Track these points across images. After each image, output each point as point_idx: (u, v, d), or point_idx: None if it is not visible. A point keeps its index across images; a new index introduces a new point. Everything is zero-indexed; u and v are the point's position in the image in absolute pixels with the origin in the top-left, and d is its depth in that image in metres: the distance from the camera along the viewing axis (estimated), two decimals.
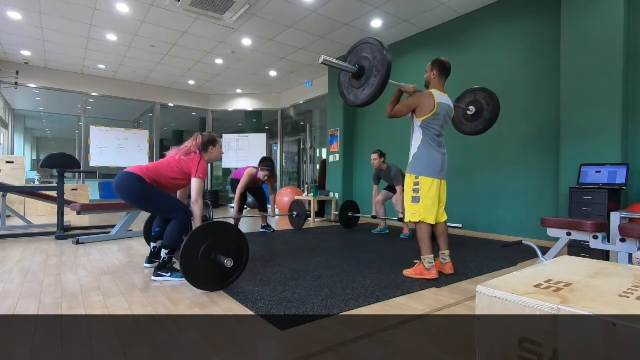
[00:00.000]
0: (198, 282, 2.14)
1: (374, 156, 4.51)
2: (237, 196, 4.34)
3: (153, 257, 2.72)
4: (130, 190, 2.34)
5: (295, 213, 5.01)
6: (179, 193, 2.76)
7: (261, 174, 4.27)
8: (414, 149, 2.57)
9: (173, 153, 2.54)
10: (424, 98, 2.50)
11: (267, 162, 4.28)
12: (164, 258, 2.40)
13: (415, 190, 2.51)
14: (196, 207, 2.40)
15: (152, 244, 2.73)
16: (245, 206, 4.55)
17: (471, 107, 3.01)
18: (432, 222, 2.52)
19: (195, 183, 2.42)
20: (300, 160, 9.24)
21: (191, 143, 2.54)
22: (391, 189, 4.69)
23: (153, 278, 2.39)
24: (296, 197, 6.40)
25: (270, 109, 9.04)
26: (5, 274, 2.50)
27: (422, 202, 2.49)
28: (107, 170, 9.42)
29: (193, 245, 2.10)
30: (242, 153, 8.77)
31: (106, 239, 3.92)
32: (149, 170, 2.42)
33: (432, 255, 2.48)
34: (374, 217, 4.72)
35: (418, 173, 2.51)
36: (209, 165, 9.27)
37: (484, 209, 4.51)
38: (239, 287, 2.22)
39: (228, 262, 2.13)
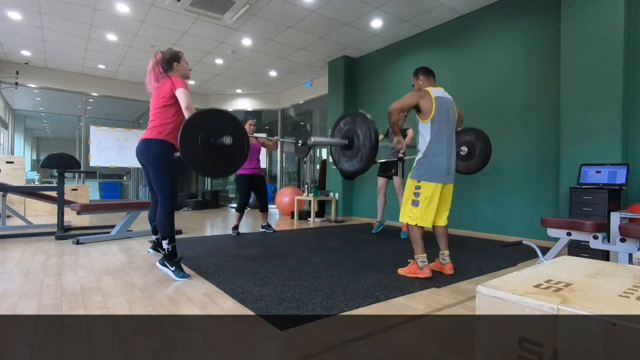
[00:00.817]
0: (205, 170, 2.14)
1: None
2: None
3: (157, 245, 2.77)
4: (150, 154, 2.38)
5: (300, 141, 4.97)
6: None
7: (246, 126, 4.31)
8: (419, 154, 2.53)
9: (150, 88, 2.49)
10: (419, 97, 2.48)
11: (248, 117, 4.41)
12: (168, 249, 2.42)
13: (416, 194, 2.49)
14: (189, 113, 2.32)
15: (155, 236, 2.77)
16: (246, 206, 4.55)
17: (463, 148, 3.05)
18: (429, 226, 2.50)
19: (180, 94, 2.33)
20: (300, 160, 9.24)
21: (152, 62, 2.45)
22: (383, 171, 4.64)
23: (157, 264, 2.44)
24: (296, 197, 6.40)
25: (270, 109, 9.04)
26: (5, 274, 2.50)
27: (421, 206, 2.47)
28: (107, 170, 9.43)
29: (189, 136, 2.07)
30: None
31: (106, 239, 3.92)
32: (157, 128, 2.39)
33: (425, 255, 2.48)
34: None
35: (420, 178, 2.48)
36: None
37: (484, 209, 4.51)
38: (238, 287, 2.22)
39: (227, 139, 2.10)
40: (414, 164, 2.55)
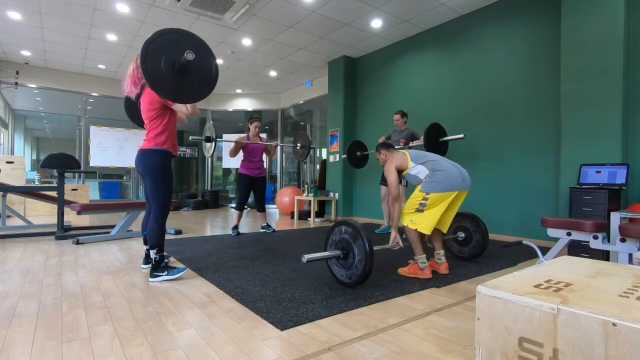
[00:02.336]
0: (176, 94, 2.07)
1: (397, 116, 4.57)
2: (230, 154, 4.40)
3: (148, 258, 2.73)
4: (152, 164, 2.38)
5: (299, 144, 4.97)
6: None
7: (251, 127, 4.27)
8: (426, 178, 2.48)
9: (128, 90, 2.47)
10: (392, 159, 2.59)
11: (254, 114, 4.31)
12: (155, 258, 2.40)
13: (422, 204, 2.45)
14: (192, 108, 2.36)
15: (145, 247, 2.73)
16: (246, 206, 4.55)
17: (460, 234, 3.07)
18: (428, 234, 2.48)
19: (177, 106, 2.36)
20: (305, 159, 9.23)
21: (132, 66, 2.44)
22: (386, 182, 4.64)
23: (150, 280, 2.38)
24: (296, 197, 6.41)
25: (270, 109, 9.04)
26: (5, 274, 2.50)
27: (425, 214, 2.44)
28: (107, 170, 9.42)
29: (153, 67, 1.98)
30: (242, 153, 8.76)
31: (106, 239, 3.92)
32: (155, 138, 2.40)
33: (425, 255, 2.48)
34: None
35: (429, 190, 2.43)
36: (208, 164, 9.20)
37: (484, 209, 4.50)
38: (238, 287, 2.22)
39: (188, 55, 1.99)
40: (424, 179, 2.48)
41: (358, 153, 5.17)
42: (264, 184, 4.61)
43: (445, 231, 2.64)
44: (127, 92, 2.48)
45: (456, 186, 2.43)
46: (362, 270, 2.11)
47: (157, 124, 2.41)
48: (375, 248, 2.24)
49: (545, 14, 3.99)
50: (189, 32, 2.16)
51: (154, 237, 2.40)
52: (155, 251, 2.39)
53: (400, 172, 2.59)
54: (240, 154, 4.48)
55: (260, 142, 4.49)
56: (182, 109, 2.39)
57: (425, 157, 2.55)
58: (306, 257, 2.15)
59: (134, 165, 8.25)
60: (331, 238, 2.37)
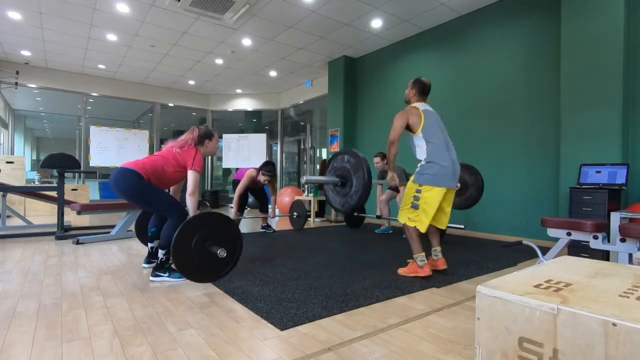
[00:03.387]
0: (191, 273, 2.16)
1: (377, 159, 4.61)
2: (236, 197, 4.33)
3: (151, 257, 2.71)
4: (128, 187, 2.32)
5: (295, 214, 5.01)
6: (172, 189, 2.76)
7: (262, 178, 4.26)
8: (422, 161, 2.51)
9: (170, 146, 2.54)
10: (408, 113, 2.52)
11: (268, 167, 4.26)
12: (162, 258, 2.40)
13: (416, 198, 2.47)
14: (191, 199, 2.39)
15: (150, 244, 2.72)
16: (246, 207, 4.54)
17: (457, 183, 3.07)
18: (424, 231, 2.48)
19: (191, 175, 2.42)
20: (300, 160, 9.24)
21: (188, 136, 2.54)
22: (394, 188, 4.68)
23: (151, 278, 2.38)
24: (296, 197, 6.40)
25: (270, 109, 9.04)
26: (5, 274, 2.50)
27: (421, 209, 2.46)
28: (107, 170, 9.41)
29: (185, 236, 2.10)
30: (242, 153, 8.76)
31: (106, 239, 3.92)
32: (145, 165, 2.41)
33: (424, 253, 2.49)
34: (379, 217, 4.72)
35: (422, 182, 2.46)
36: (208, 163, 9.22)
37: (484, 209, 4.51)
38: (238, 287, 2.22)
39: (221, 252, 2.14)
40: (418, 169, 2.52)
41: (355, 213, 5.20)
42: (263, 190, 4.65)
43: (443, 227, 2.63)
44: (169, 146, 2.55)
45: (446, 183, 2.45)
46: (357, 201, 2.13)
47: (169, 173, 2.48)
48: (373, 181, 2.27)
49: (545, 14, 3.99)
50: (233, 227, 2.34)
51: (167, 239, 2.38)
52: (164, 251, 2.39)
53: (407, 128, 2.54)
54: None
55: (271, 189, 4.48)
56: (190, 180, 2.43)
57: (434, 136, 2.48)
58: (305, 177, 2.18)
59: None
60: (332, 164, 2.37)
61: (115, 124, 8.25)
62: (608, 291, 0.93)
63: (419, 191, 2.46)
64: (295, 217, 5.01)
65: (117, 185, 2.34)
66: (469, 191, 2.96)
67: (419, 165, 2.52)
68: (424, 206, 2.45)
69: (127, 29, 5.30)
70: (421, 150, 2.51)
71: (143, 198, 2.37)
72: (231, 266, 2.33)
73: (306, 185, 6.50)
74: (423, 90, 2.64)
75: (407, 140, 2.64)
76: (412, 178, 2.54)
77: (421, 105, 2.56)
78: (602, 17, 3.27)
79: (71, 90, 7.34)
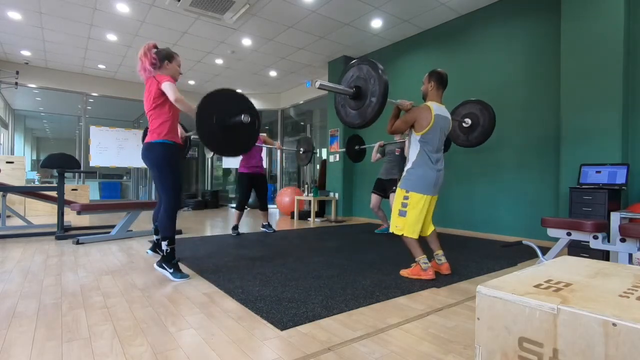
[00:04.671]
0: (229, 150, 2.24)
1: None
2: None
3: (156, 247, 2.79)
4: (151, 157, 2.42)
5: (302, 149, 4.98)
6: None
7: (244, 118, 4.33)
8: (409, 163, 2.54)
9: (141, 75, 2.49)
10: (420, 112, 2.47)
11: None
12: (167, 250, 2.42)
13: (404, 205, 2.51)
14: (180, 104, 2.28)
15: (155, 236, 2.81)
16: (246, 207, 4.54)
17: (467, 120, 2.98)
18: (415, 237, 2.50)
19: (166, 87, 2.29)
20: (308, 164, 9.24)
21: (141, 50, 2.43)
22: (380, 190, 4.65)
23: (155, 266, 2.44)
24: (296, 197, 6.40)
25: (270, 109, 9.04)
26: (5, 274, 2.50)
27: (408, 217, 2.48)
28: (107, 170, 9.42)
29: (206, 122, 2.12)
30: None
31: (106, 239, 3.92)
32: (157, 128, 2.42)
33: (425, 256, 2.49)
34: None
35: (408, 188, 2.49)
36: (208, 163, 9.18)
37: (484, 209, 4.51)
38: (238, 287, 2.22)
39: (245, 118, 2.17)
40: (404, 174, 2.56)
41: (356, 147, 5.21)
42: (265, 182, 4.60)
43: (426, 234, 2.65)
44: (141, 75, 2.51)
45: (428, 190, 2.48)
46: (371, 114, 2.10)
47: (157, 114, 2.42)
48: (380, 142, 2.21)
49: (545, 14, 3.99)
50: (242, 95, 2.35)
51: (165, 229, 2.42)
52: (166, 243, 2.41)
53: (412, 127, 2.52)
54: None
55: (263, 141, 4.49)
56: (168, 93, 2.32)
57: (429, 145, 2.48)
58: (319, 82, 2.16)
59: (134, 165, 8.27)
60: (347, 74, 2.30)
61: (115, 124, 8.25)
62: (608, 291, 0.93)
63: (406, 197, 2.50)
64: (302, 152, 4.98)
65: (147, 158, 2.45)
66: (480, 124, 2.90)
67: (405, 169, 2.56)
68: (411, 212, 2.48)
69: (127, 29, 5.30)
70: (413, 152, 2.53)
71: (161, 170, 2.43)
72: (258, 126, 2.35)
73: (306, 185, 6.50)
74: (441, 82, 2.54)
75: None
76: (399, 183, 2.57)
77: (436, 108, 2.47)
78: (602, 17, 3.27)
79: (71, 90, 7.34)
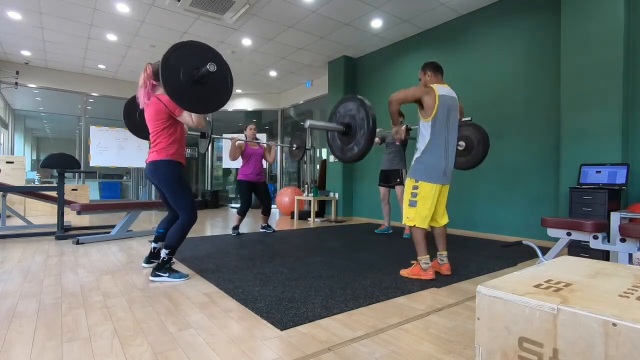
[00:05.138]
0: (200, 105, 2.13)
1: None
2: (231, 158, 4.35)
3: (152, 257, 2.72)
4: (164, 177, 2.39)
5: (294, 145, 4.99)
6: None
7: (248, 131, 4.28)
8: (417, 152, 2.51)
9: (142, 104, 2.45)
10: (423, 92, 2.42)
11: (251, 122, 4.33)
12: (164, 258, 2.40)
13: (414, 195, 2.48)
14: (199, 122, 2.32)
15: (153, 244, 2.72)
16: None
17: (461, 143, 3.03)
18: (426, 227, 2.48)
19: (184, 118, 2.35)
20: (300, 160, 9.24)
21: (143, 77, 2.40)
22: (385, 182, 4.65)
23: (151, 278, 2.38)
24: (296, 197, 6.40)
25: (270, 109, 9.04)
26: (5, 274, 2.50)
27: (418, 207, 2.46)
28: (107, 170, 9.42)
29: (172, 72, 2.02)
30: (242, 158, 8.76)
31: (106, 239, 3.92)
32: (166, 147, 2.39)
33: (428, 256, 2.48)
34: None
35: (418, 178, 2.47)
36: (208, 163, 9.19)
37: (484, 209, 4.51)
38: (238, 287, 2.22)
39: (210, 67, 2.04)
40: (412, 162, 2.54)
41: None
42: (266, 189, 4.59)
43: (443, 223, 2.63)
44: (142, 104, 2.45)
45: (437, 178, 2.45)
46: (360, 150, 2.09)
47: (165, 135, 2.41)
48: (378, 128, 2.21)
49: (545, 14, 3.99)
50: (206, 45, 2.20)
51: (173, 239, 2.40)
52: (167, 251, 2.39)
53: (420, 107, 2.45)
54: (240, 159, 4.49)
55: (257, 142, 4.49)
56: (187, 120, 2.37)
57: (437, 131, 2.44)
58: (309, 122, 2.13)
59: (134, 166, 8.28)
60: (338, 110, 2.32)
61: (115, 124, 8.24)
62: (608, 291, 0.93)
63: (415, 187, 2.47)
64: (294, 149, 4.99)
65: (152, 175, 2.41)
66: (475, 149, 2.93)
67: (414, 158, 2.53)
68: (421, 201, 2.45)
69: (127, 29, 5.30)
70: (422, 140, 2.48)
71: (176, 188, 2.41)
72: (230, 83, 2.25)
73: (306, 185, 6.50)
74: (437, 68, 2.53)
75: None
76: (408, 172, 2.55)
77: (440, 89, 2.41)
78: (602, 17, 3.27)
79: (71, 90, 7.34)
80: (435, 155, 2.46)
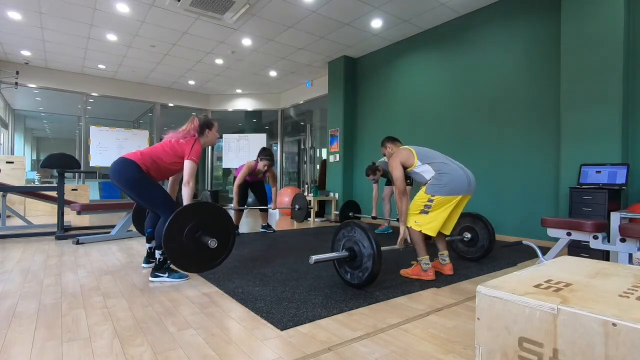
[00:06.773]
0: (182, 263, 2.19)
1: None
2: (235, 188, 4.30)
3: (150, 257, 2.72)
4: (127, 177, 2.32)
5: (297, 206, 4.99)
6: (170, 180, 2.74)
7: (260, 164, 4.25)
8: (431, 179, 2.45)
9: (170, 136, 2.52)
10: (397, 154, 2.54)
11: (266, 152, 4.25)
12: (159, 259, 2.40)
13: (427, 206, 2.42)
14: (186, 189, 2.33)
15: (147, 244, 2.73)
16: (246, 206, 4.54)
17: (466, 234, 3.06)
18: (434, 235, 2.45)
19: (187, 165, 2.38)
20: (300, 160, 9.24)
21: (189, 126, 2.51)
22: (390, 182, 4.66)
23: (150, 279, 2.38)
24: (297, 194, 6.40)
25: (270, 109, 9.04)
26: (5, 274, 2.50)
27: (430, 216, 2.41)
28: (107, 170, 9.41)
29: (178, 224, 2.11)
30: (242, 153, 8.77)
31: (106, 239, 3.92)
32: (144, 156, 2.40)
33: (428, 257, 2.47)
34: (374, 218, 4.72)
35: (434, 193, 2.40)
36: (208, 163, 9.22)
37: (484, 209, 4.50)
38: (238, 287, 2.22)
39: (212, 243, 2.16)
40: (430, 181, 2.44)
41: (351, 213, 5.26)
42: (261, 186, 4.60)
43: (448, 233, 2.62)
44: (170, 136, 2.52)
45: (461, 190, 2.41)
46: (370, 272, 2.11)
47: (169, 165, 2.47)
48: (383, 249, 2.24)
49: (545, 14, 3.99)
50: (223, 212, 2.37)
51: (160, 237, 2.39)
52: (161, 252, 2.39)
53: (404, 168, 2.53)
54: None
55: (266, 175, 4.46)
56: (186, 168, 2.38)
57: (432, 158, 2.50)
58: (314, 258, 2.14)
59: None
60: (340, 233, 2.37)
61: (115, 124, 8.25)
62: (608, 291, 0.93)
63: (431, 200, 2.41)
64: (297, 209, 4.99)
65: (115, 175, 2.34)
66: (480, 239, 3.00)
67: (430, 178, 2.46)
68: (433, 214, 2.41)
69: (127, 29, 5.29)
70: (428, 172, 2.47)
71: (138, 191, 2.35)
72: (224, 257, 2.36)
73: (306, 185, 6.50)
74: (394, 139, 2.80)
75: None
76: (424, 188, 2.46)
77: (411, 145, 2.61)
78: (602, 17, 3.27)
79: (71, 90, 7.34)
80: (450, 169, 2.43)
